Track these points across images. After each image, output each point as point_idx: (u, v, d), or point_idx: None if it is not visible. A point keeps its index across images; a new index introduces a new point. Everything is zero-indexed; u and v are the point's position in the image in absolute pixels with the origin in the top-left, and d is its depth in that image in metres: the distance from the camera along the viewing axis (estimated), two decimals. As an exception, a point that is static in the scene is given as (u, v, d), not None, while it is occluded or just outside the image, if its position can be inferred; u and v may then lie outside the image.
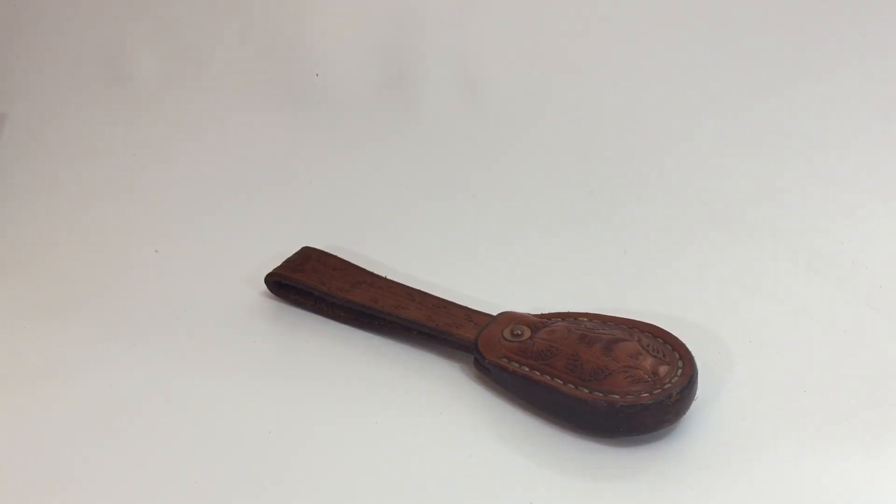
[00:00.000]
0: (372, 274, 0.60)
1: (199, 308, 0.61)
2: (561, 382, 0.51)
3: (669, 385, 0.49)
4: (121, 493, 0.49)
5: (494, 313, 0.56)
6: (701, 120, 0.68)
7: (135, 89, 0.75)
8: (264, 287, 0.61)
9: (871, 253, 0.61)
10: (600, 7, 0.69)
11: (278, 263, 0.61)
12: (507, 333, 0.54)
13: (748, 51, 0.68)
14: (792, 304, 0.58)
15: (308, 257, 0.61)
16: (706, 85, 0.68)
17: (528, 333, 0.53)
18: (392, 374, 0.55)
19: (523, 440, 0.51)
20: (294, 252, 0.62)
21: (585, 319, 0.54)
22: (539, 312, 0.56)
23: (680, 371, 0.50)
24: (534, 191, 0.68)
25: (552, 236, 0.65)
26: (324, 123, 0.73)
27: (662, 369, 0.50)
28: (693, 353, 0.52)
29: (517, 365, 0.52)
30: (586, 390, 0.50)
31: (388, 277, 0.60)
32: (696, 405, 0.51)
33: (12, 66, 0.76)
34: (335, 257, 0.62)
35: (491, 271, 0.62)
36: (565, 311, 0.56)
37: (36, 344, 0.58)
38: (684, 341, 0.52)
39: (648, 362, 0.50)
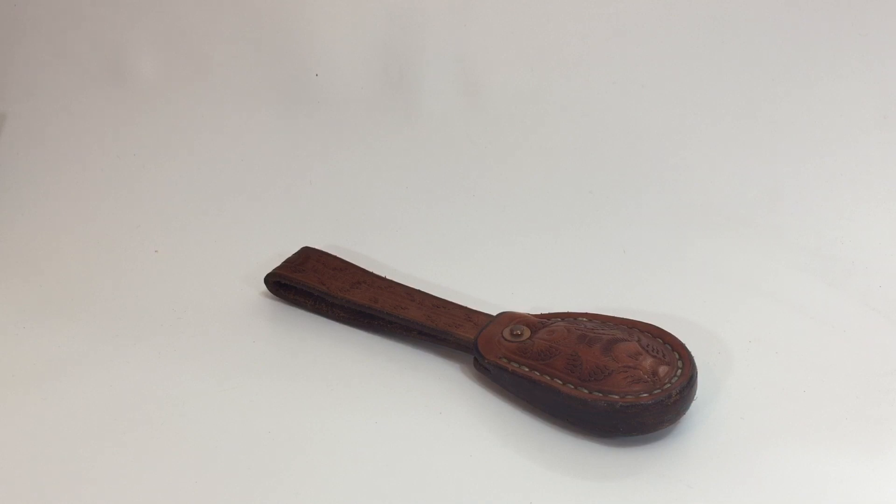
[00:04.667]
0: (372, 274, 0.60)
1: (199, 308, 0.61)
2: (560, 382, 0.51)
3: (669, 385, 0.49)
4: (120, 493, 0.49)
5: (494, 313, 0.56)
6: (701, 120, 0.68)
7: (135, 89, 0.75)
8: (264, 287, 0.61)
9: (871, 253, 0.61)
10: (600, 7, 0.70)
11: (278, 263, 0.61)
12: (506, 333, 0.54)
13: (748, 51, 0.68)
14: (792, 304, 0.58)
15: (308, 257, 0.61)
16: (706, 85, 0.68)
17: (527, 333, 0.53)
18: (392, 374, 0.55)
19: (523, 440, 0.51)
20: (294, 252, 0.62)
21: (585, 319, 0.54)
22: (539, 312, 0.56)
23: (680, 371, 0.50)
24: (533, 191, 0.68)
25: (552, 236, 0.65)
26: (324, 123, 0.73)
27: (662, 369, 0.50)
28: (693, 353, 0.52)
29: (517, 365, 0.52)
30: (586, 390, 0.50)
31: (387, 277, 0.60)
32: (695, 405, 0.51)
33: (12, 66, 0.76)
34: (335, 257, 0.62)
35: (491, 271, 0.62)
36: (565, 311, 0.56)
37: (36, 344, 0.58)
38: (684, 341, 0.52)
39: (648, 362, 0.50)
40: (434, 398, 0.54)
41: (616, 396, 0.49)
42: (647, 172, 0.67)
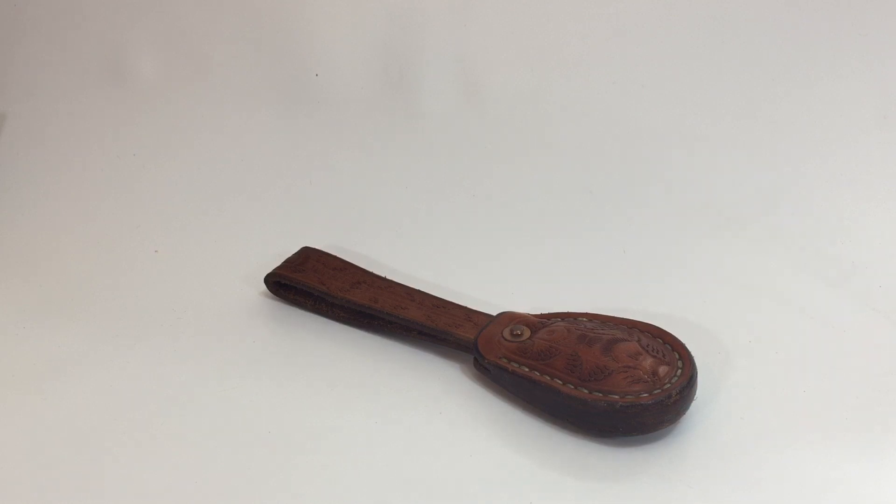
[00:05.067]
0: (372, 274, 0.60)
1: (199, 308, 0.61)
2: (560, 382, 0.51)
3: (669, 385, 0.49)
4: (120, 493, 0.49)
5: (494, 313, 0.56)
6: (701, 120, 0.68)
7: (135, 89, 0.75)
8: (264, 287, 0.61)
9: (871, 253, 0.61)
10: (600, 7, 0.69)
11: (278, 263, 0.61)
12: (506, 333, 0.54)
13: (748, 51, 0.68)
14: (792, 304, 0.58)
15: (308, 257, 0.61)
16: (706, 86, 0.68)
17: (527, 333, 0.53)
18: (392, 374, 0.55)
19: (523, 440, 0.51)
20: (294, 252, 0.62)
21: (585, 319, 0.54)
22: (539, 312, 0.56)
23: (679, 371, 0.50)
24: (534, 191, 0.68)
25: (552, 236, 0.65)
26: (324, 123, 0.73)
27: (662, 369, 0.50)
28: (693, 353, 0.52)
29: (517, 365, 0.52)
30: (586, 390, 0.50)
31: (387, 277, 0.60)
32: (695, 405, 0.51)
33: (12, 66, 0.76)
34: (335, 257, 0.62)
35: (491, 271, 0.62)
36: (565, 311, 0.56)
37: (36, 344, 0.58)
38: (684, 341, 0.52)
39: (648, 362, 0.50)
40: (434, 398, 0.54)
41: (616, 396, 0.49)
42: (647, 172, 0.67)
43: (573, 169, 0.68)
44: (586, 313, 0.55)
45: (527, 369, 0.52)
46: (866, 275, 0.60)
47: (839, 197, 0.64)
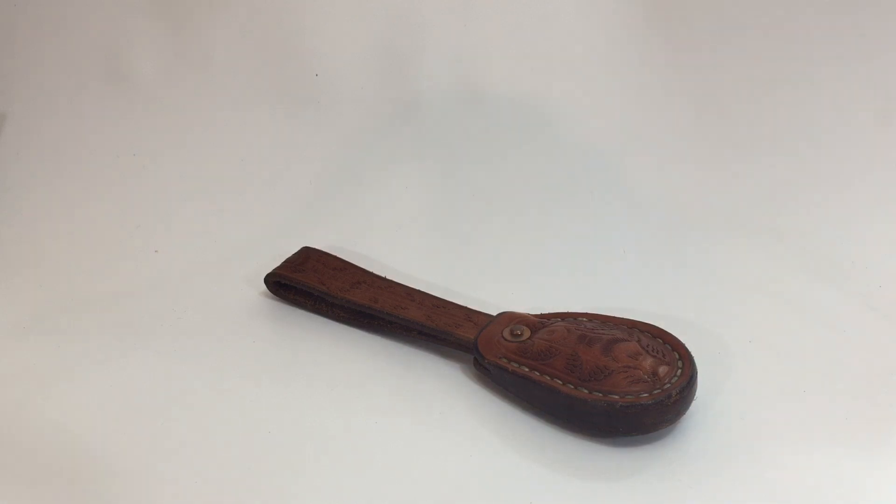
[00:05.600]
0: (372, 274, 0.60)
1: (199, 308, 0.61)
2: (560, 382, 0.51)
3: (669, 385, 0.49)
4: (120, 494, 0.49)
5: (494, 313, 0.56)
6: (700, 121, 0.68)
7: (135, 89, 0.75)
8: (264, 287, 0.61)
9: (871, 253, 0.61)
10: (600, 7, 0.69)
11: (278, 263, 0.61)
12: (506, 333, 0.54)
13: (747, 52, 0.68)
14: (792, 304, 0.58)
15: (308, 257, 0.61)
16: (705, 85, 0.68)
17: (527, 333, 0.53)
18: (392, 374, 0.55)
19: (523, 440, 0.51)
20: (294, 252, 0.62)
21: (585, 319, 0.54)
22: (539, 312, 0.56)
23: (680, 371, 0.50)
24: (533, 190, 0.68)
25: (552, 236, 0.65)
26: (324, 123, 0.73)
27: (662, 369, 0.50)
28: (693, 353, 0.52)
29: (517, 365, 0.52)
30: (586, 390, 0.50)
31: (387, 277, 0.60)
32: (695, 405, 0.51)
33: (12, 66, 0.76)
34: (335, 257, 0.62)
35: (491, 271, 0.62)
36: (565, 311, 0.56)
37: (36, 345, 0.58)
38: (684, 341, 0.52)
39: (648, 362, 0.50)
40: (434, 398, 0.54)
41: (616, 396, 0.49)
42: (647, 172, 0.67)
43: (573, 169, 0.68)
44: (586, 313, 0.55)
45: (527, 369, 0.52)
46: (866, 275, 0.60)
47: (839, 197, 0.64)
